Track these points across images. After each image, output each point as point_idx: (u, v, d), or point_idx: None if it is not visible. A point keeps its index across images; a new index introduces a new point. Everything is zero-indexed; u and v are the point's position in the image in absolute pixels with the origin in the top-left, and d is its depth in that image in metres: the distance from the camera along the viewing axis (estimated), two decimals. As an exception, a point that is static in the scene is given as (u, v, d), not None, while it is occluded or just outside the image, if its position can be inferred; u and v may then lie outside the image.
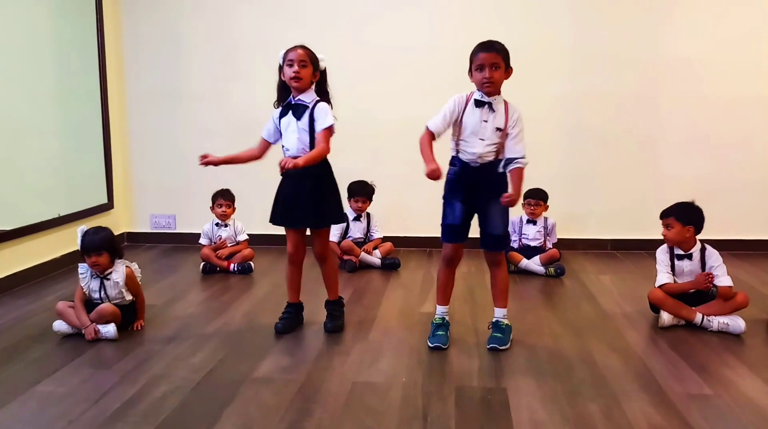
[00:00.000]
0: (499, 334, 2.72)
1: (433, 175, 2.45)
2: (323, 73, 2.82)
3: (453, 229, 2.68)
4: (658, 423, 2.04)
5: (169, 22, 4.69)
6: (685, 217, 3.00)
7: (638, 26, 4.43)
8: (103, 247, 2.80)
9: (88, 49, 4.37)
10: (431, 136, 2.60)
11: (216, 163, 2.78)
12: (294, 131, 2.76)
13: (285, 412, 2.10)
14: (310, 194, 2.77)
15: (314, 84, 2.80)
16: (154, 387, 2.31)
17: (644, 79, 4.47)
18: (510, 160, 2.60)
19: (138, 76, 4.77)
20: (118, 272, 2.87)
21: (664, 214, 3.07)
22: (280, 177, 2.82)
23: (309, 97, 2.77)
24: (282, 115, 2.80)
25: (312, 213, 2.79)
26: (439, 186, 2.69)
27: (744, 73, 4.41)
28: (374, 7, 4.56)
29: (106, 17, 4.48)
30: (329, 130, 2.75)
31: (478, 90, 2.59)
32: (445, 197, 2.70)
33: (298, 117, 2.75)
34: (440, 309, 2.83)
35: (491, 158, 2.60)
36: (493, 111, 2.58)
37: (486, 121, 2.57)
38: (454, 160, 2.65)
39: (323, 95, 2.81)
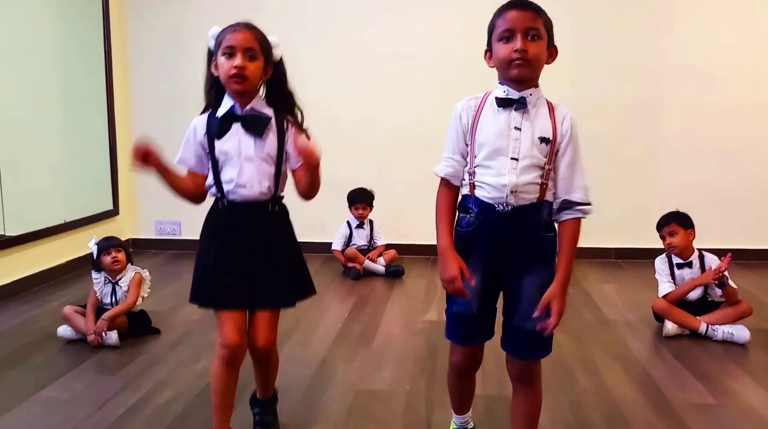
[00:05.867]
0: None
1: (452, 288, 1.57)
2: (278, 65, 1.86)
3: (464, 322, 1.66)
4: (662, 432, 2.04)
5: (174, 26, 4.71)
6: (684, 221, 3.01)
7: (639, 34, 4.43)
8: (121, 245, 2.96)
9: (94, 54, 4.39)
10: (449, 189, 1.65)
11: (151, 163, 1.73)
12: (250, 158, 1.77)
13: (288, 420, 2.10)
14: (284, 258, 1.85)
15: (263, 85, 1.86)
16: (158, 393, 2.32)
17: (646, 87, 4.47)
18: (566, 205, 1.59)
19: (144, 81, 4.79)
20: (128, 276, 2.93)
21: (664, 223, 3.05)
22: (217, 236, 1.85)
23: (262, 104, 1.84)
24: (219, 132, 1.79)
25: (291, 285, 1.86)
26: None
27: (746, 80, 4.41)
28: (377, 13, 4.57)
29: (112, 22, 4.50)
30: None
31: (501, 81, 1.61)
32: None
33: (258, 133, 1.78)
34: (457, 419, 1.95)
35: (533, 196, 1.56)
36: (530, 111, 1.57)
37: (519, 128, 1.55)
38: (467, 204, 1.62)
39: (284, 100, 1.86)
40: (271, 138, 1.80)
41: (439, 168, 1.65)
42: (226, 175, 1.79)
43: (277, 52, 1.84)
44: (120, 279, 2.93)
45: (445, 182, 1.65)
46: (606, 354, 2.73)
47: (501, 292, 1.66)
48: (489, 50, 1.63)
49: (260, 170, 1.78)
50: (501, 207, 1.55)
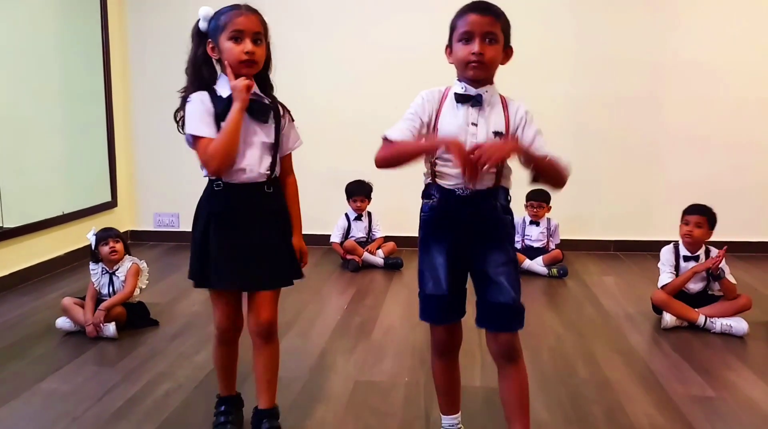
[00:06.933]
0: None
1: (452, 147, 1.56)
2: (268, 50, 1.84)
3: (438, 301, 1.72)
4: (661, 425, 2.04)
5: (174, 21, 4.68)
6: (712, 221, 2.99)
7: (642, 28, 4.42)
8: (119, 235, 2.98)
9: (93, 49, 4.37)
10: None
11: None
12: (252, 143, 1.79)
13: (288, 411, 2.10)
14: (280, 238, 1.87)
15: None
16: (158, 385, 2.32)
17: (648, 81, 4.46)
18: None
19: (142, 75, 4.77)
20: (125, 267, 2.94)
21: (695, 212, 2.99)
22: (211, 214, 1.88)
23: (256, 89, 1.82)
24: (223, 113, 1.76)
25: (290, 263, 1.89)
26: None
27: (748, 74, 4.40)
28: (379, 8, 4.55)
29: (110, 17, 4.49)
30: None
31: (459, 79, 1.74)
32: (420, 249, 1.76)
33: (264, 119, 1.79)
34: (446, 420, 1.89)
35: (489, 182, 1.67)
36: (485, 107, 1.69)
37: (476, 124, 1.67)
38: (430, 191, 1.73)
39: (269, 85, 1.89)
40: (271, 124, 1.82)
41: (392, 131, 1.69)
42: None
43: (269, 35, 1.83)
44: (117, 269, 2.93)
45: (387, 143, 1.69)
46: (606, 347, 2.73)
47: (469, 274, 1.74)
48: (450, 47, 1.76)
49: (261, 155, 1.80)
50: (460, 191, 1.67)
